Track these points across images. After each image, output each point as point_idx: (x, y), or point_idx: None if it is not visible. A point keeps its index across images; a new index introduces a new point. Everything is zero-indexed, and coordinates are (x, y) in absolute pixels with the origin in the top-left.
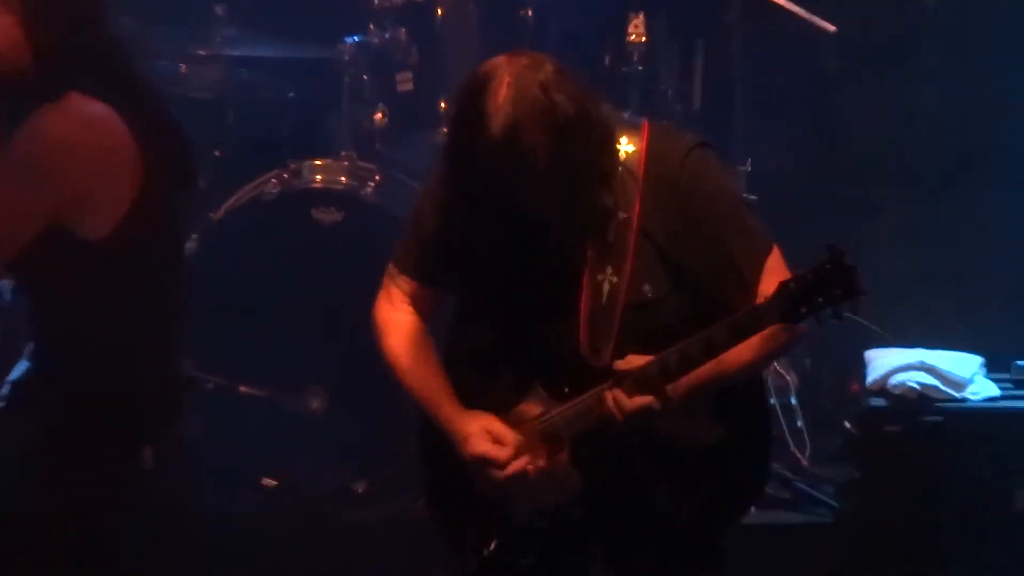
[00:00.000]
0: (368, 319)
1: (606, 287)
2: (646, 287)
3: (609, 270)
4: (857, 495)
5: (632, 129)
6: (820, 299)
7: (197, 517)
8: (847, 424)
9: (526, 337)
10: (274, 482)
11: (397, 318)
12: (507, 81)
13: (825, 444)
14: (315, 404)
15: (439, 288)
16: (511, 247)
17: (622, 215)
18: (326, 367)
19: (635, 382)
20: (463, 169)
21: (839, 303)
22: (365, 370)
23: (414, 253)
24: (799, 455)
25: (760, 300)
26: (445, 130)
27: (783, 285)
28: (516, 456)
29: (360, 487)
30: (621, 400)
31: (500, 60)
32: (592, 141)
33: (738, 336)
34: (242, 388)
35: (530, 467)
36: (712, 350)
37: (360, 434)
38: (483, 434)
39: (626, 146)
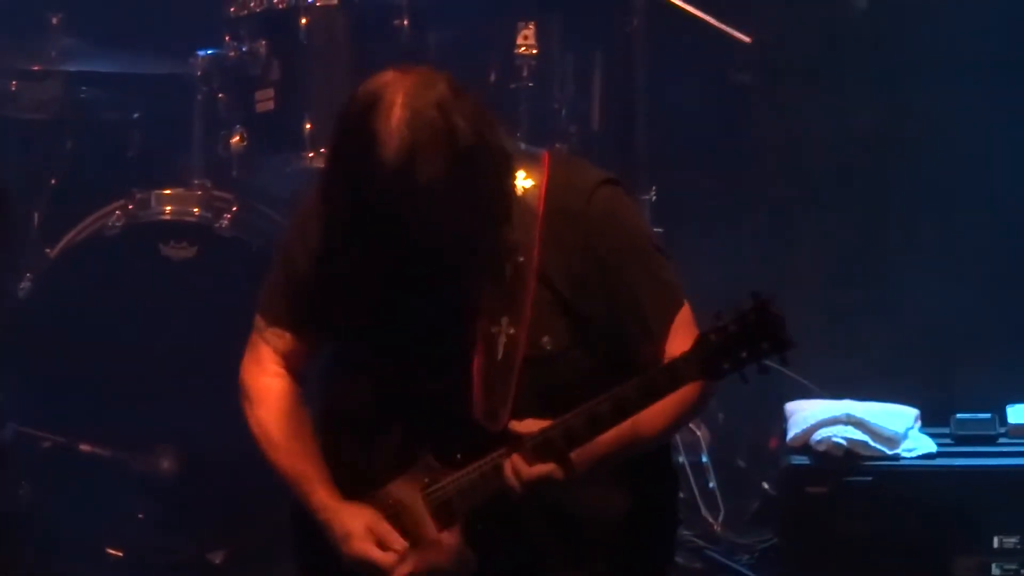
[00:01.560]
0: (226, 367)
1: (502, 340)
2: (545, 339)
3: (505, 321)
4: (776, 564)
5: (530, 161)
6: (744, 354)
7: None
8: (765, 485)
9: (413, 397)
10: (119, 553)
11: (267, 384)
12: (400, 101)
13: (741, 507)
14: (166, 465)
15: (314, 339)
16: (398, 292)
17: (520, 258)
18: (178, 423)
19: (536, 448)
20: (347, 200)
21: (765, 357)
22: (222, 426)
23: (283, 299)
24: (711, 520)
25: (669, 357)
26: (324, 155)
27: (703, 338)
28: (402, 561)
29: (217, 558)
30: (520, 469)
31: (389, 77)
32: (492, 169)
33: (652, 395)
34: (83, 447)
35: (418, 569)
36: (623, 411)
37: (217, 498)
38: (367, 535)
39: (524, 180)
